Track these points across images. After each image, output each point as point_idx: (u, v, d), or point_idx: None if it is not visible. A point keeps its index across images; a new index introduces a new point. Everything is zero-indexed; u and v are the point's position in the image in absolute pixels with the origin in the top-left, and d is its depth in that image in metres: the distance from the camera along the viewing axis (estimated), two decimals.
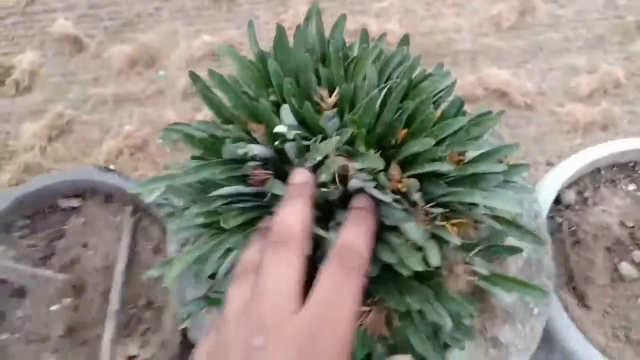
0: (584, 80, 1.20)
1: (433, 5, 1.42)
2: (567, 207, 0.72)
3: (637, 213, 0.70)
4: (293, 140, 0.38)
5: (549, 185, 0.71)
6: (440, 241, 0.35)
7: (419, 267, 0.33)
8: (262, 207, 0.38)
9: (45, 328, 0.72)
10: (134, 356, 0.70)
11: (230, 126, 0.41)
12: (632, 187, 0.72)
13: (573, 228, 0.70)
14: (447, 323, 0.36)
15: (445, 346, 0.45)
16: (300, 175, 0.35)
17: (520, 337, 0.50)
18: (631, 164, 0.74)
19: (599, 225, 0.69)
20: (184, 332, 0.67)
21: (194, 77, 0.42)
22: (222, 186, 0.39)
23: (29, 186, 0.77)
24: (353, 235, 0.32)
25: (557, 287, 0.68)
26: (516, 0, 1.35)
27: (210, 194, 0.37)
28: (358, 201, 0.35)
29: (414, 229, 0.34)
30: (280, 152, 0.40)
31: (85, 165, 0.77)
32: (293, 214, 0.32)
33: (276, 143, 0.39)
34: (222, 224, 0.34)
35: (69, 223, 0.78)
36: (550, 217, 0.71)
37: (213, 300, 0.47)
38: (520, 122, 1.17)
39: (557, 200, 0.72)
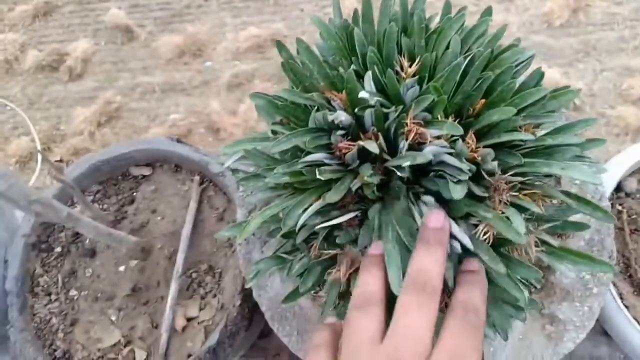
0: (638, 82, 1.15)
1: (482, 1, 1.39)
2: (628, 195, 0.70)
3: None
4: (373, 107, 0.39)
5: (610, 173, 0.69)
6: (520, 210, 0.36)
7: (522, 240, 0.33)
8: (342, 171, 0.40)
9: (112, 287, 0.76)
10: (194, 317, 0.73)
11: (311, 94, 0.43)
12: None
13: (633, 216, 0.69)
14: (523, 296, 0.36)
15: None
16: (436, 219, 0.35)
17: (578, 314, 0.50)
18: None
19: None
20: (243, 296, 0.69)
21: (280, 46, 0.44)
22: (305, 152, 0.41)
23: (104, 154, 0.81)
24: (472, 296, 0.33)
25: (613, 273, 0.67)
26: None
27: (300, 160, 0.39)
28: (469, 264, 0.36)
29: (457, 189, 0.34)
30: (358, 119, 0.41)
31: (158, 138, 0.81)
32: (433, 263, 0.33)
33: (355, 110, 0.40)
34: (318, 176, 0.36)
35: (139, 190, 0.82)
36: (610, 205, 0.70)
37: (282, 259, 0.49)
38: None
39: (618, 188, 0.71)
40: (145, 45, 1.39)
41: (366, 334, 0.31)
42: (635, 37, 1.23)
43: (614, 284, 0.66)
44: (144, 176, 0.83)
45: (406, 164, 0.35)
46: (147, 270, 0.76)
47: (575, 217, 0.45)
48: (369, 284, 0.35)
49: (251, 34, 1.35)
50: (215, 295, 0.73)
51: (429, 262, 0.33)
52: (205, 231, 0.77)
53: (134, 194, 0.82)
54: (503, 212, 0.36)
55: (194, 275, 0.75)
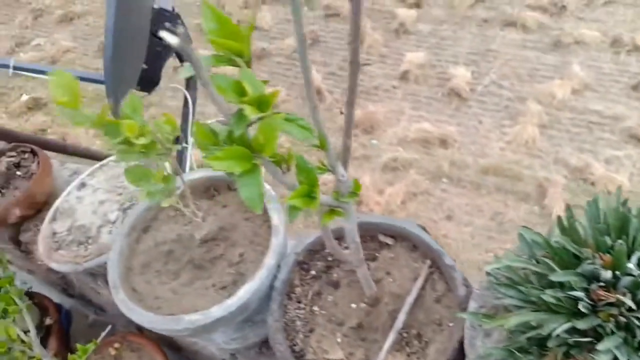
0: None
1: None
2: None
3: None
4: (634, 276, 0.51)
5: None
6: None
7: None
8: (591, 309, 0.52)
9: (344, 316, 0.95)
10: None
11: (581, 248, 0.57)
12: None
13: None
14: None
15: None
16: None
17: None
18: None
19: None
20: None
21: (568, 208, 0.59)
22: (568, 287, 0.54)
23: (361, 218, 1.03)
24: None
25: None
26: None
27: (565, 291, 0.52)
28: None
29: None
30: (615, 278, 0.53)
31: (409, 220, 1.00)
32: None
33: (616, 272, 0.53)
34: (580, 308, 0.49)
35: (381, 253, 1.01)
36: None
37: (512, 353, 0.61)
38: None
39: None
40: (328, 109, 1.50)
41: None
42: None
43: None
44: (387, 244, 1.03)
45: None
46: (372, 315, 0.94)
47: None
48: None
49: (423, 128, 1.39)
50: (418, 358, 0.87)
51: None
52: (423, 305, 0.93)
53: (376, 254, 1.02)
54: None
55: (404, 334, 0.91)
